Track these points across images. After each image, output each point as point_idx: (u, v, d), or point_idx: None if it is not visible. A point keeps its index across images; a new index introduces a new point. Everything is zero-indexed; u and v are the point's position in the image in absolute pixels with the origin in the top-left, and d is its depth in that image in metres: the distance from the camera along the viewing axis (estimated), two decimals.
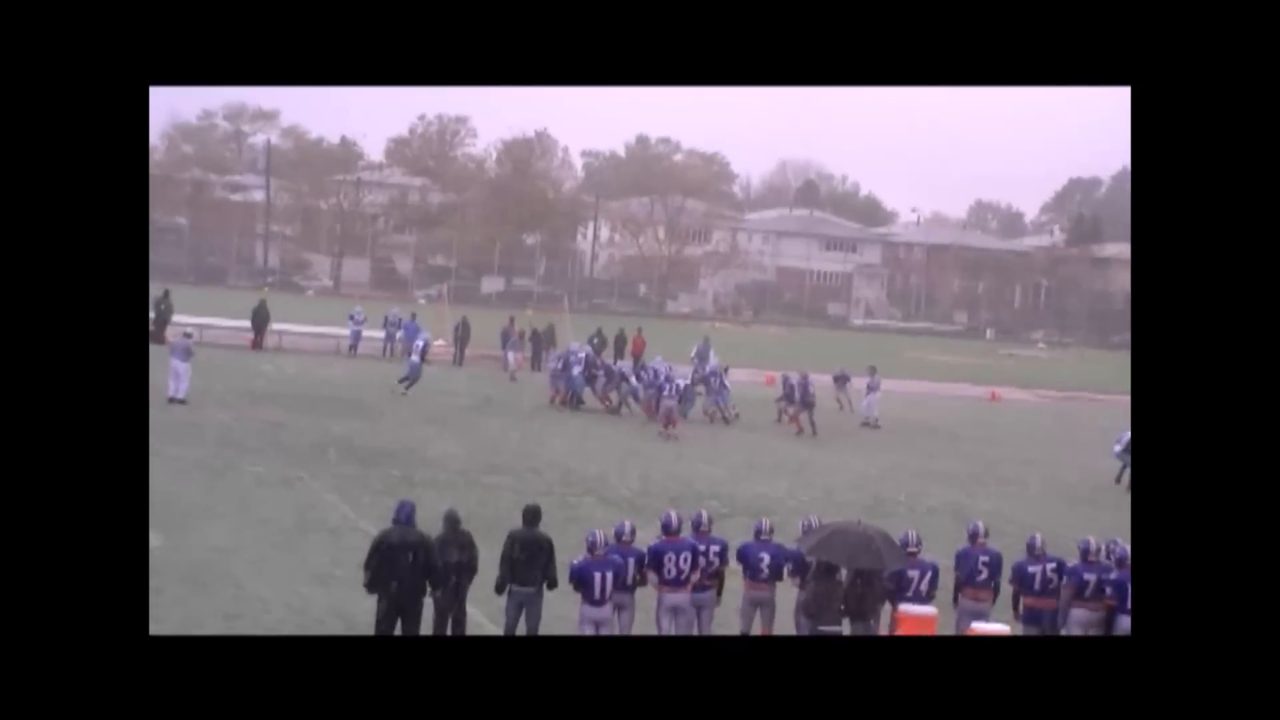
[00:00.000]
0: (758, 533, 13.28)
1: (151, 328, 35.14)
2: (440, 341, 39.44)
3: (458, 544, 12.22)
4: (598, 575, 11.97)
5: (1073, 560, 13.09)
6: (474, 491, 19.96)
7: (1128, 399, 10.15)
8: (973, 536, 13.43)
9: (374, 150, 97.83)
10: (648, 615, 12.59)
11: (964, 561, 13.23)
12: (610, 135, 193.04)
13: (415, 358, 32.29)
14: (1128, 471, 23.58)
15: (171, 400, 26.22)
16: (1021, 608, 13.13)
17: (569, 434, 27.76)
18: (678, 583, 12.49)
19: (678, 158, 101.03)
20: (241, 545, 15.99)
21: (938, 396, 43.18)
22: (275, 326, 41.47)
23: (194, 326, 34.37)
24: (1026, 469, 27.90)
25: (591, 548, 12.15)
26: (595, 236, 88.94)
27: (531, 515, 12.50)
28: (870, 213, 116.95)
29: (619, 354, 40.37)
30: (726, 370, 32.76)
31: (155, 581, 12.85)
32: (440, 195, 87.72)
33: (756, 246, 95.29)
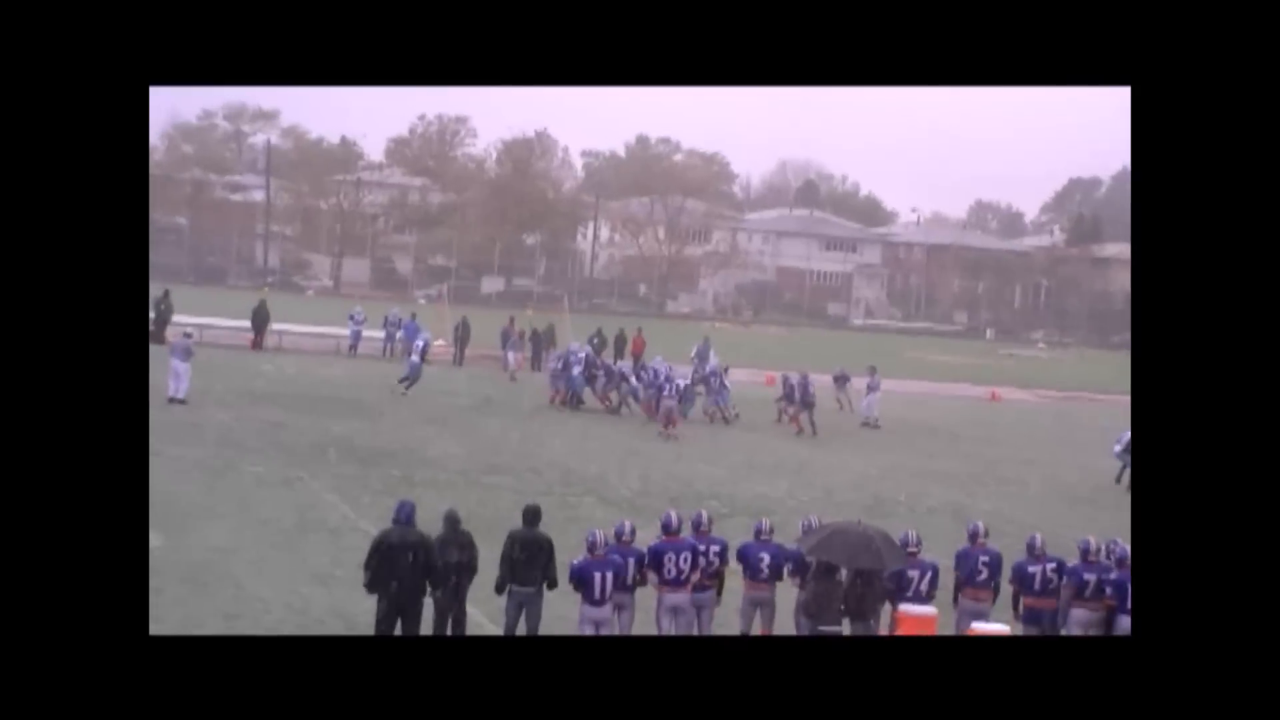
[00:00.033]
0: (758, 533, 13.28)
1: (152, 328, 35.14)
2: (440, 341, 39.44)
3: (458, 544, 12.22)
4: (598, 575, 11.97)
5: (1073, 560, 13.09)
6: (474, 491, 19.96)
7: (1128, 399, 10.15)
8: (973, 537, 13.43)
9: (374, 150, 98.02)
10: (648, 615, 12.59)
11: (964, 562, 13.24)
12: (610, 135, 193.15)
13: (415, 358, 32.28)
14: (1128, 471, 23.58)
15: (172, 400, 26.23)
16: (1021, 608, 13.13)
17: (569, 434, 27.77)
18: (678, 583, 12.49)
19: (678, 158, 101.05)
20: (242, 545, 15.99)
21: (938, 396, 43.19)
22: (275, 326, 41.48)
23: (194, 326, 34.38)
24: (1026, 469, 27.90)
25: (591, 548, 12.16)
26: (595, 236, 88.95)
27: (531, 515, 12.50)
28: (870, 213, 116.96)
29: (619, 354, 40.37)
30: (726, 370, 32.76)
31: (155, 581, 12.85)
32: (440, 195, 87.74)
33: (756, 246, 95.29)
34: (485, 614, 12.92)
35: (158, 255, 69.04)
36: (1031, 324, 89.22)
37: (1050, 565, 13.10)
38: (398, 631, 11.81)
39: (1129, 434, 23.01)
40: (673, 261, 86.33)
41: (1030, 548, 13.22)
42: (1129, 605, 11.55)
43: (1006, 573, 13.26)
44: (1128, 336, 9.11)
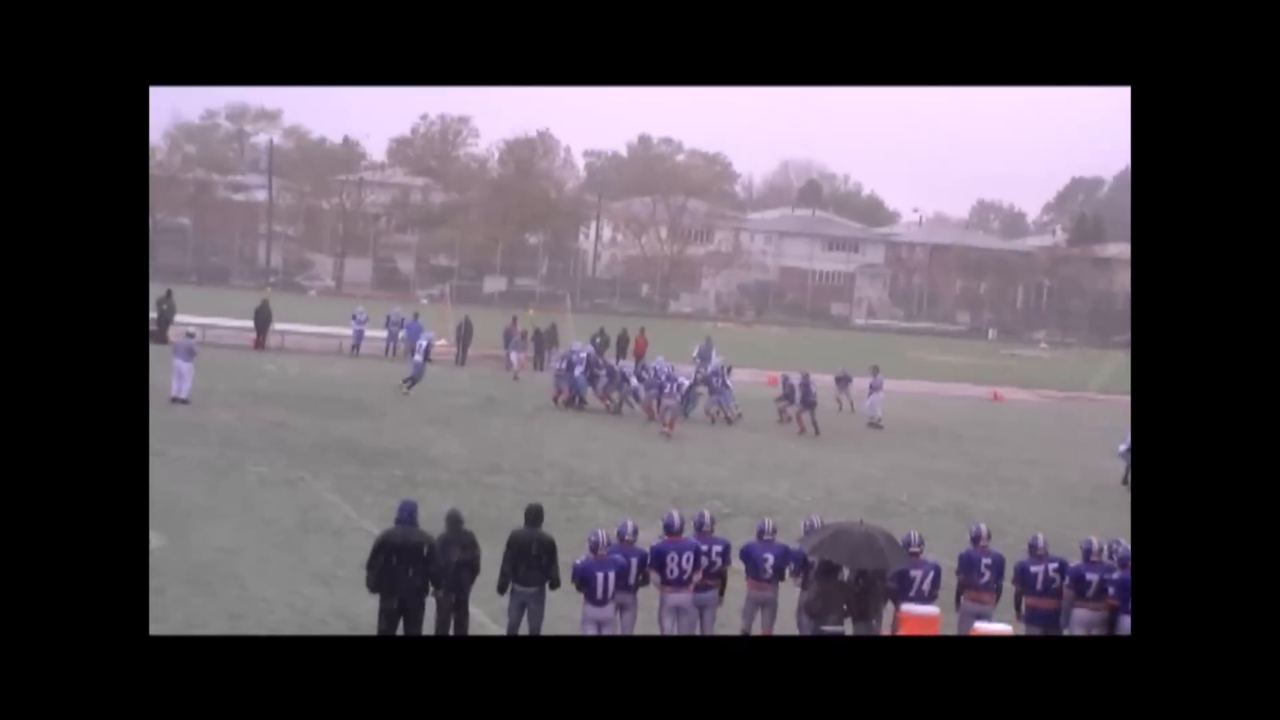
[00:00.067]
0: (760, 533, 13.29)
1: (154, 328, 35.19)
2: (442, 341, 39.46)
3: (460, 544, 12.24)
4: (600, 575, 11.98)
5: (1075, 560, 13.10)
6: (476, 491, 19.97)
7: (1129, 399, 10.15)
8: (975, 539, 13.42)
9: (376, 150, 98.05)
10: (650, 615, 12.60)
11: (966, 564, 13.22)
12: (612, 135, 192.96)
13: (418, 357, 32.29)
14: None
15: (174, 400, 26.25)
16: (1024, 608, 13.13)
17: (571, 434, 27.77)
18: (680, 583, 12.50)
19: (680, 158, 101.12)
20: (244, 545, 16.00)
21: (940, 397, 43.18)
22: (278, 326, 41.51)
23: (197, 326, 34.40)
24: (1028, 469, 27.90)
25: (594, 547, 12.17)
26: (597, 236, 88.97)
27: (534, 515, 12.51)
28: (872, 213, 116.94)
29: (621, 354, 40.37)
30: (729, 370, 32.75)
31: (158, 581, 12.89)
32: (442, 195, 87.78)
33: (759, 246, 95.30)
34: (488, 614, 12.92)
35: (160, 255, 69.27)
36: (1034, 324, 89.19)
37: (1052, 565, 13.11)
38: (400, 632, 11.82)
39: None
40: (675, 261, 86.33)
41: (1032, 548, 13.22)
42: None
43: (1008, 574, 13.26)
44: (1129, 337, 9.11)
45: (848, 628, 12.50)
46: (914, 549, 13.07)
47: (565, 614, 12.48)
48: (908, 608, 12.64)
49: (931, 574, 13.00)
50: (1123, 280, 69.47)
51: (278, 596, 14.02)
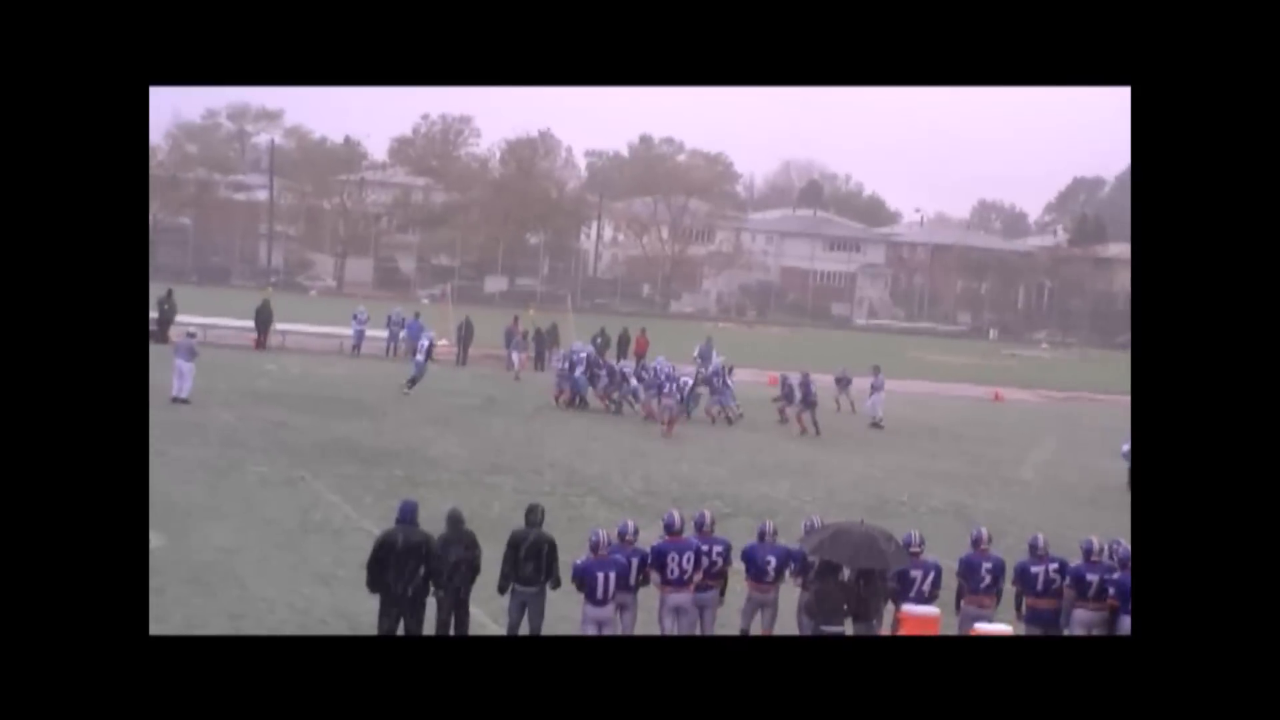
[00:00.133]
0: (761, 535, 13.28)
1: (155, 327, 35.20)
2: (444, 341, 39.46)
3: (461, 543, 12.24)
4: (600, 575, 11.98)
5: (1075, 561, 13.09)
6: (477, 491, 19.96)
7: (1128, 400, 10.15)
8: (975, 543, 13.40)
9: (377, 150, 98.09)
10: (650, 615, 12.60)
11: (967, 568, 13.18)
12: (613, 135, 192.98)
13: (420, 356, 32.31)
14: None
15: (175, 400, 26.26)
16: (1024, 608, 13.12)
17: (572, 434, 27.77)
18: (680, 583, 12.50)
19: (681, 158, 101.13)
20: (245, 545, 16.00)
21: (941, 397, 43.17)
22: (279, 326, 41.53)
23: (198, 326, 34.42)
24: (1029, 469, 27.89)
25: (594, 547, 12.17)
26: (599, 236, 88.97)
27: (534, 515, 12.51)
28: (874, 213, 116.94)
29: (622, 354, 40.36)
30: (730, 370, 32.73)
31: (159, 581, 12.89)
32: (443, 195, 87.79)
33: (760, 246, 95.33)
34: (488, 614, 12.93)
35: (161, 255, 69.32)
36: (1035, 324, 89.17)
37: (1053, 566, 13.10)
38: (400, 631, 11.82)
39: None
40: (676, 261, 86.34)
41: (1033, 548, 13.21)
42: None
43: (1009, 576, 13.25)
44: (1129, 337, 9.11)
45: (848, 628, 12.50)
46: (914, 549, 13.06)
47: (565, 614, 12.48)
48: (908, 608, 12.64)
49: (932, 574, 12.99)
50: (1124, 280, 69.45)
51: (278, 596, 14.02)
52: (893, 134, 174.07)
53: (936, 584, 13.01)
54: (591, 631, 11.98)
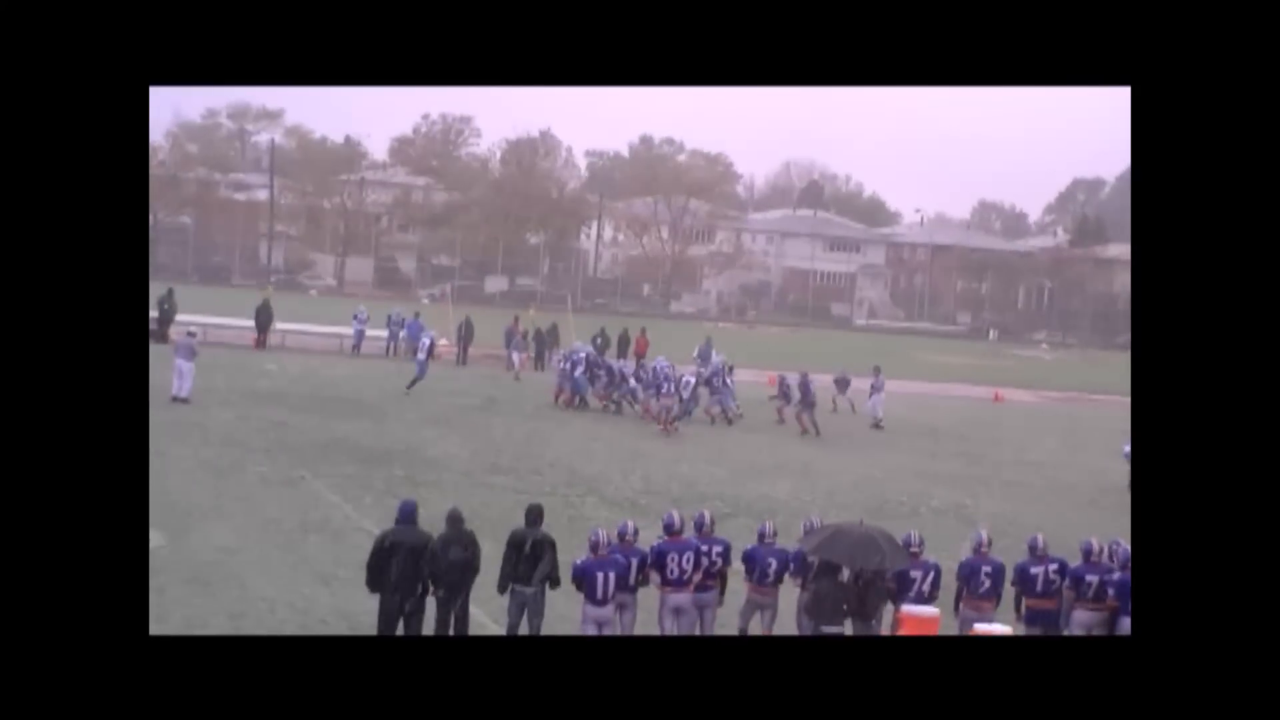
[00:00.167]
0: (761, 536, 13.27)
1: (155, 327, 35.21)
2: (444, 341, 39.47)
3: (460, 543, 12.25)
4: (600, 575, 11.99)
5: (1075, 561, 13.09)
6: (477, 491, 19.97)
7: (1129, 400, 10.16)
8: (976, 546, 13.39)
9: (378, 150, 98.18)
10: (650, 615, 12.60)
11: (967, 572, 13.15)
12: (614, 135, 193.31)
13: (422, 355, 32.32)
14: None
15: (175, 399, 26.26)
16: (1023, 609, 13.12)
17: (572, 434, 27.77)
18: (680, 583, 12.50)
19: (681, 158, 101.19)
20: (245, 545, 16.01)
21: (941, 397, 43.17)
22: (279, 326, 41.53)
23: (198, 325, 34.40)
24: (1030, 470, 27.90)
25: (594, 547, 12.18)
26: (599, 236, 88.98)
27: (534, 515, 12.52)
28: (874, 213, 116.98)
29: (622, 354, 40.36)
30: (731, 370, 32.73)
31: (159, 581, 12.90)
32: (444, 195, 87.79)
33: (760, 247, 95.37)
34: (488, 613, 12.93)
35: (162, 254, 69.32)
36: (1035, 325, 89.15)
37: (1052, 566, 13.10)
38: (400, 631, 11.83)
39: None
40: (676, 261, 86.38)
41: (1032, 549, 13.21)
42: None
43: (1008, 580, 13.24)
44: (1129, 338, 9.12)
45: (847, 628, 12.50)
46: (914, 549, 13.06)
47: (565, 614, 12.48)
48: (907, 608, 12.63)
49: (931, 575, 12.99)
50: (1124, 281, 69.50)
51: (278, 596, 14.02)
52: (893, 134, 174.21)
53: (936, 584, 13.00)
54: (591, 631, 11.98)
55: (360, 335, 41.27)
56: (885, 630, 12.76)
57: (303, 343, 41.52)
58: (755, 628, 13.10)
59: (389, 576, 11.86)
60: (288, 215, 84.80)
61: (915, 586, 12.84)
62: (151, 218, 59.37)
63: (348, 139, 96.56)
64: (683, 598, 12.53)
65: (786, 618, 13.06)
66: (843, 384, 35.24)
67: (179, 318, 37.65)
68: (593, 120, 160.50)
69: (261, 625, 12.92)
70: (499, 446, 25.04)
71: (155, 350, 25.48)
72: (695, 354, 38.47)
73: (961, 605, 13.08)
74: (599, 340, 40.12)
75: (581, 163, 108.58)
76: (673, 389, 29.15)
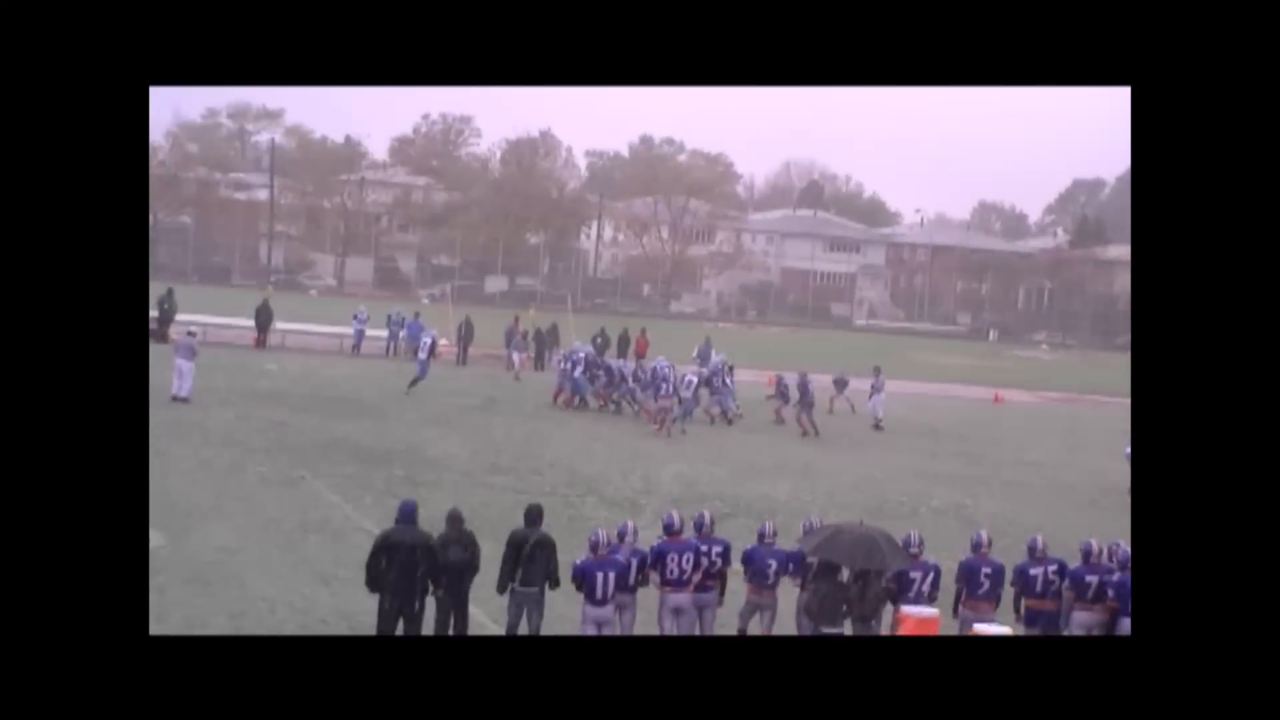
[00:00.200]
0: (761, 536, 13.27)
1: (155, 326, 35.21)
2: (444, 341, 39.48)
3: (460, 543, 12.25)
4: (600, 575, 11.99)
5: (1074, 562, 13.08)
6: (477, 491, 19.97)
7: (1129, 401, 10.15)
8: (975, 547, 13.39)
9: (378, 149, 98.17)
10: (650, 616, 12.60)
11: (967, 572, 13.16)
12: (614, 135, 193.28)
13: (423, 355, 32.34)
14: None
15: (175, 399, 26.26)
16: (1023, 609, 13.12)
17: (572, 434, 27.77)
18: (680, 583, 12.50)
19: (682, 158, 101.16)
20: (245, 545, 16.01)
21: (940, 398, 43.18)
22: (279, 325, 41.54)
23: (198, 325, 34.39)
24: (1029, 470, 27.90)
25: (594, 547, 12.18)
26: (599, 236, 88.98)
27: (534, 515, 12.52)
28: (874, 213, 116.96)
29: (622, 354, 40.35)
30: (731, 370, 32.72)
31: (159, 581, 12.91)
32: (444, 195, 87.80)
33: (760, 247, 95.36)
34: (487, 614, 12.93)
35: (162, 254, 69.32)
36: (1035, 326, 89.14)
37: (1052, 567, 13.10)
38: (400, 631, 11.83)
39: None
40: (676, 262, 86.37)
41: (1031, 550, 13.21)
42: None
43: (1008, 581, 13.24)
44: (1129, 339, 9.13)
45: (847, 628, 12.49)
46: (914, 550, 13.05)
47: (565, 614, 12.48)
48: (907, 609, 12.63)
49: (931, 575, 12.98)
50: (1124, 282, 69.51)
51: (278, 596, 14.02)
52: (893, 134, 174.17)
53: (935, 585, 13.00)
54: (591, 631, 11.98)
55: (360, 335, 41.28)
56: (885, 630, 12.76)
57: (303, 343, 41.53)
58: (755, 628, 13.10)
59: (389, 576, 11.87)
60: (288, 215, 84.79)
61: (915, 587, 12.84)
62: (151, 217, 59.35)
63: (348, 139, 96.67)
64: (682, 598, 12.53)
65: (786, 618, 13.06)
66: (841, 384, 35.24)
67: (179, 317, 37.66)
68: (593, 120, 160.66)
69: (261, 625, 12.92)
70: (499, 446, 25.04)
71: (155, 350, 25.50)
72: (695, 354, 38.47)
73: (961, 606, 13.07)
74: (599, 340, 40.12)
75: (581, 163, 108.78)
76: (671, 390, 29.12)
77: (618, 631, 12.15)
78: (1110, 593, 12.67)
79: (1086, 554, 13.01)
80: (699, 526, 13.06)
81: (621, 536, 12.52)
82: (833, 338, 67.98)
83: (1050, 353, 74.09)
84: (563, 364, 33.05)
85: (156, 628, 10.39)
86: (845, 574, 12.59)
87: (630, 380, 31.76)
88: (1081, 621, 12.77)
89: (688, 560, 12.52)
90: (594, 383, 32.00)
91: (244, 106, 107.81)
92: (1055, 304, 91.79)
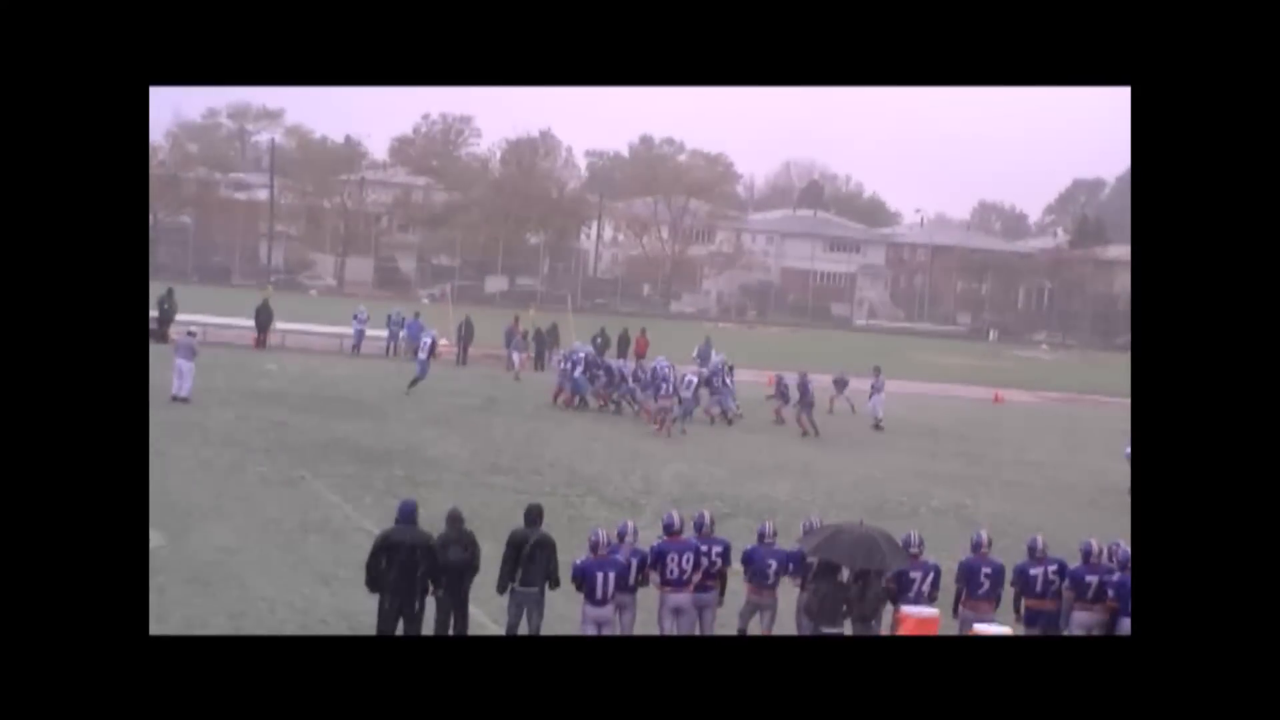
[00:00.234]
0: (761, 536, 13.27)
1: (155, 326, 35.21)
2: (444, 341, 39.48)
3: (460, 543, 12.25)
4: (600, 575, 11.99)
5: (1074, 562, 13.08)
6: (477, 491, 19.97)
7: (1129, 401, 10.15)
8: (976, 547, 13.39)
9: (378, 149, 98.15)
10: (650, 615, 12.60)
11: (967, 572, 13.16)
12: (614, 135, 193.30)
13: (423, 355, 32.34)
14: None
15: (175, 399, 26.26)
16: (1023, 609, 13.12)
17: (572, 434, 27.77)
18: (680, 583, 12.50)
19: (682, 158, 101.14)
20: (245, 545, 16.01)
21: (940, 398, 43.18)
22: (279, 325, 41.54)
23: (198, 325, 34.38)
24: (1029, 470, 27.90)
25: (594, 547, 12.18)
26: (599, 236, 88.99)
27: (534, 515, 12.52)
28: (874, 213, 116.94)
29: (622, 354, 40.35)
30: (731, 369, 32.72)
31: (160, 581, 12.91)
32: (444, 195, 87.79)
33: (760, 247, 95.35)
34: (487, 613, 12.93)
35: (162, 254, 69.32)
36: (1035, 326, 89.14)
37: (1051, 567, 13.09)
38: (400, 631, 11.83)
39: None
40: (677, 262, 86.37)
41: (1031, 550, 13.20)
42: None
43: (1008, 579, 13.24)
44: (1129, 339, 9.13)
45: (847, 628, 12.49)
46: (914, 550, 13.05)
47: (565, 614, 12.48)
48: (907, 609, 12.63)
49: (931, 575, 12.98)
50: (1124, 282, 69.51)
51: (278, 596, 14.02)
52: (893, 134, 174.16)
53: (935, 585, 13.00)
54: (591, 631, 11.98)
55: (360, 335, 41.28)
56: (885, 631, 12.76)
57: (303, 342, 41.53)
58: (755, 628, 13.10)
59: (389, 576, 11.87)
60: (288, 215, 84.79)
61: (915, 587, 12.83)
62: (151, 217, 59.35)
63: (348, 139, 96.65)
64: (682, 598, 12.53)
65: (786, 618, 13.06)
66: (841, 384, 35.24)
67: (179, 317, 37.66)
68: (593, 120, 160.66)
69: (261, 625, 12.92)
70: (499, 446, 25.04)
71: (155, 350, 25.50)
72: (694, 354, 38.47)
73: (961, 606, 13.07)
74: (599, 340, 40.13)
75: (581, 163, 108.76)
76: (670, 390, 29.12)
77: (618, 631, 12.15)
78: (1110, 593, 12.67)
79: (1086, 554, 13.01)
80: (699, 526, 13.06)
81: (621, 536, 12.53)
82: (833, 338, 67.98)
83: (1050, 353, 74.09)
84: (563, 364, 33.04)
85: (156, 628, 10.39)
86: (845, 574, 12.59)
87: (630, 380, 31.77)
88: (1081, 621, 12.77)
89: (688, 560, 12.52)
90: (594, 382, 32.00)
91: (244, 106, 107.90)
92: (1055, 304, 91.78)
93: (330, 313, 47.92)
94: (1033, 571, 13.06)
